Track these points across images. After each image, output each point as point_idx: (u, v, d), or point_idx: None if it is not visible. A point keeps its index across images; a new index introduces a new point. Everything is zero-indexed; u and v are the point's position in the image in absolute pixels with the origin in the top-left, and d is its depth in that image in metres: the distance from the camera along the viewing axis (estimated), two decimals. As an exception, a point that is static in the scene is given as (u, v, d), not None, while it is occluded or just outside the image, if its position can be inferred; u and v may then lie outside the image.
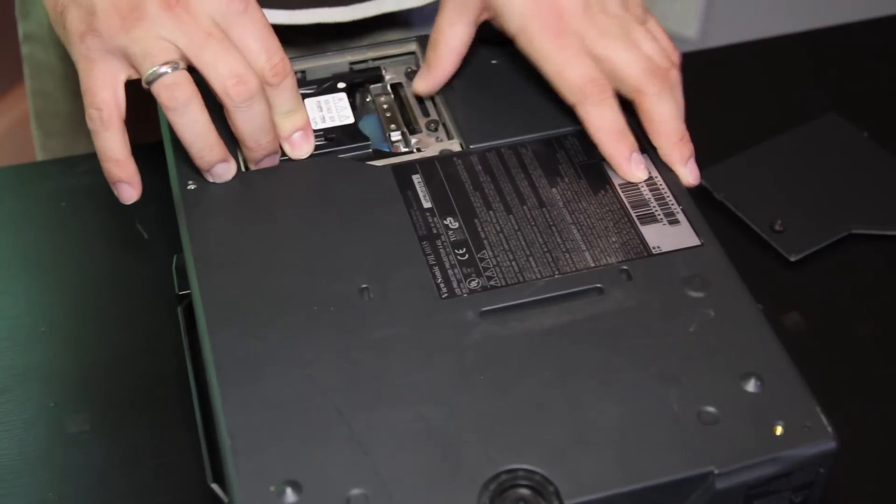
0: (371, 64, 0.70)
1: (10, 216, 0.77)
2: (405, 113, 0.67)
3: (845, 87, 0.85)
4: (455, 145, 0.64)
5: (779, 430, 0.50)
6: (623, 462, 0.49)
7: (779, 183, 0.76)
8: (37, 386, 0.66)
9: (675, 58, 0.64)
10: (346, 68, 0.69)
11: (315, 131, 0.64)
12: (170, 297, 0.64)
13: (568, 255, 0.57)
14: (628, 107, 0.63)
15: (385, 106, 0.67)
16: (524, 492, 0.49)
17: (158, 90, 0.57)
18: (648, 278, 0.56)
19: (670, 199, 0.60)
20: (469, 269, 0.57)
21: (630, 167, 0.61)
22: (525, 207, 0.60)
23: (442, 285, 0.56)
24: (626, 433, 0.50)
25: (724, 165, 0.77)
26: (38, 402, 0.66)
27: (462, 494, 0.48)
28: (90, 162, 0.80)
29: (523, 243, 0.58)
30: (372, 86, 0.69)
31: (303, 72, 0.68)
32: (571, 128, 0.64)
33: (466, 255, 0.57)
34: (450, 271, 0.57)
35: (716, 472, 0.49)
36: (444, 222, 0.59)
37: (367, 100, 0.68)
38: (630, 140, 0.62)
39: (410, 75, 0.69)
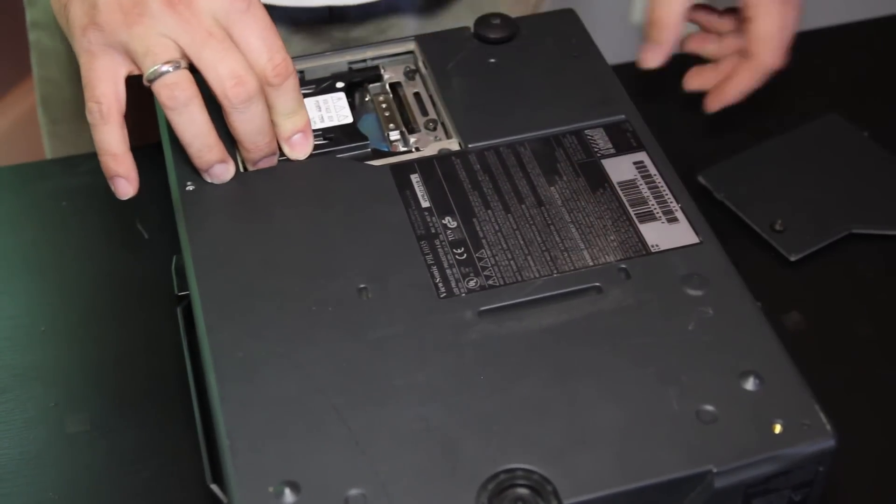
0: (370, 63, 0.70)
1: (10, 216, 0.77)
2: (404, 112, 0.67)
3: (845, 87, 0.85)
4: (453, 144, 0.64)
5: (778, 429, 0.50)
6: (621, 461, 0.49)
7: (779, 183, 0.76)
8: (37, 386, 0.66)
9: None
10: (344, 68, 0.69)
11: (314, 131, 0.64)
12: (169, 298, 0.64)
13: (566, 254, 0.57)
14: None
15: (384, 105, 0.67)
16: (522, 491, 0.48)
17: (159, 89, 0.57)
18: (647, 277, 0.56)
19: (669, 197, 0.60)
20: (467, 269, 0.57)
21: None
22: (523, 206, 0.60)
23: (440, 285, 0.56)
24: (624, 432, 0.50)
25: (724, 165, 0.77)
26: (38, 401, 0.66)
27: (460, 494, 0.48)
28: (91, 161, 0.80)
29: (522, 242, 0.58)
30: (371, 85, 0.69)
31: (301, 71, 0.68)
32: (570, 126, 0.64)
33: (465, 255, 0.57)
34: (448, 271, 0.57)
35: (714, 470, 0.49)
36: (443, 222, 0.59)
37: (366, 99, 0.68)
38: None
39: (409, 74, 0.69)
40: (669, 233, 0.58)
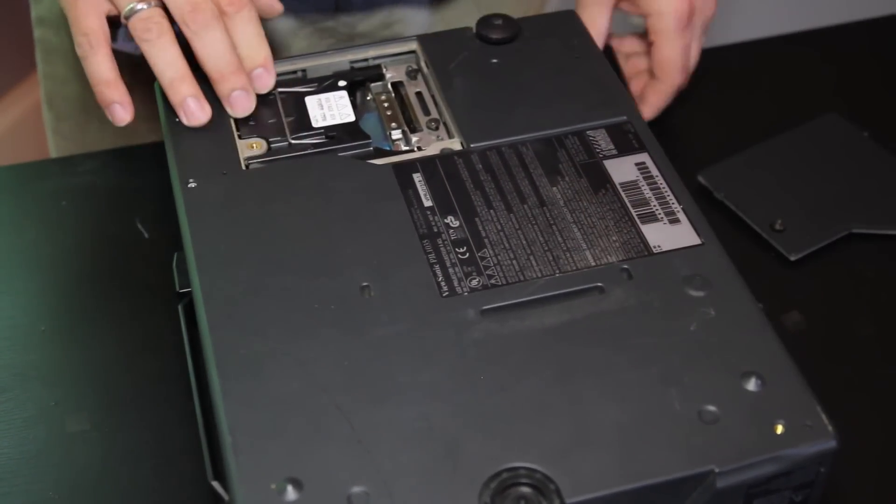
0: (371, 63, 0.70)
1: (9, 216, 0.77)
2: (406, 111, 0.67)
3: (845, 87, 0.85)
4: (456, 144, 0.64)
5: (779, 429, 0.50)
6: (624, 461, 0.49)
7: (779, 183, 0.76)
8: (37, 385, 0.66)
9: None
10: (346, 67, 0.69)
11: (316, 129, 0.64)
12: (170, 297, 0.64)
13: (569, 254, 0.57)
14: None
15: (386, 104, 0.67)
16: (525, 490, 0.48)
17: (134, 24, 0.63)
18: (649, 277, 0.56)
19: (671, 198, 0.60)
20: (470, 268, 0.57)
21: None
22: (526, 206, 0.60)
23: (443, 284, 0.56)
24: (626, 432, 0.50)
25: (724, 165, 0.77)
26: (38, 401, 0.66)
27: (463, 492, 0.48)
28: (90, 161, 0.80)
29: (524, 242, 0.58)
30: (373, 84, 0.69)
31: (304, 70, 0.68)
32: (572, 127, 0.64)
33: (467, 254, 0.57)
34: (450, 270, 0.57)
35: (716, 470, 0.49)
36: (445, 221, 0.59)
37: (368, 98, 0.68)
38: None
39: (411, 74, 0.69)
40: (671, 233, 0.58)
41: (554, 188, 0.61)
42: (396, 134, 0.65)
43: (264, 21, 0.66)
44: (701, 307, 0.55)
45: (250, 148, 0.64)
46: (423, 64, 0.69)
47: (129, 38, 0.64)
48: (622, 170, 0.62)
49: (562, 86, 0.67)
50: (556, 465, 0.49)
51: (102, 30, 0.63)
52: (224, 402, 0.51)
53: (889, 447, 0.63)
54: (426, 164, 0.62)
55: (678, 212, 0.60)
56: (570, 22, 0.71)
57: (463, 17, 0.86)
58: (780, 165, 0.78)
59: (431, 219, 0.59)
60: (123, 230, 0.75)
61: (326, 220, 0.59)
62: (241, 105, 0.64)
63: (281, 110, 0.66)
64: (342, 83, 0.67)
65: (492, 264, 0.57)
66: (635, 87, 0.80)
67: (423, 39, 0.70)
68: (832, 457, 0.51)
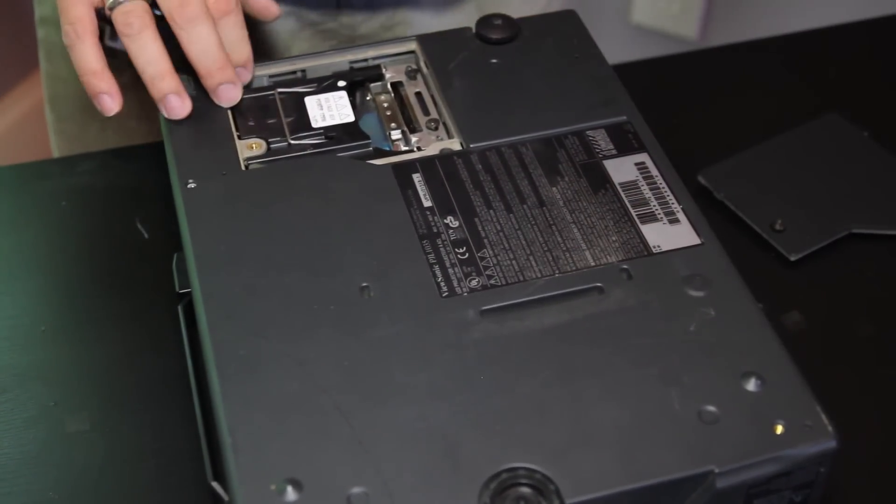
0: (371, 63, 0.70)
1: (10, 216, 0.77)
2: (405, 111, 0.67)
3: (845, 87, 0.85)
4: (455, 144, 0.64)
5: (779, 430, 0.50)
6: (624, 461, 0.49)
7: (779, 183, 0.76)
8: (37, 385, 0.66)
9: None
10: (346, 67, 0.69)
11: (315, 129, 0.64)
12: (170, 297, 0.64)
13: (568, 255, 0.57)
14: None
15: (385, 104, 0.67)
16: (525, 490, 0.49)
17: (117, 16, 0.63)
18: (649, 277, 0.56)
19: (671, 198, 0.60)
20: (469, 268, 0.57)
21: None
22: (525, 206, 0.60)
23: (442, 284, 0.56)
24: (626, 432, 0.50)
25: (724, 165, 0.77)
26: (38, 401, 0.65)
27: (463, 493, 0.48)
28: (90, 161, 0.80)
29: (524, 242, 0.58)
30: (372, 84, 0.69)
31: (303, 70, 0.68)
32: (572, 127, 0.64)
33: (467, 254, 0.57)
34: (450, 270, 0.57)
35: (716, 471, 0.49)
36: (445, 221, 0.59)
37: (368, 98, 0.68)
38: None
39: (411, 74, 0.69)
40: (671, 234, 0.58)
41: (553, 188, 0.61)
42: (396, 134, 0.65)
43: (264, 23, 0.66)
44: (701, 307, 0.55)
45: (250, 148, 0.64)
46: (422, 64, 0.69)
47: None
48: (622, 170, 0.62)
49: (561, 86, 0.67)
50: (556, 465, 0.49)
51: (90, 19, 0.63)
52: (224, 403, 0.51)
53: (889, 447, 0.63)
54: (426, 165, 0.62)
55: (678, 212, 0.60)
56: (569, 22, 0.71)
57: (466, 20, 0.86)
58: (780, 165, 0.77)
59: (431, 219, 0.59)
60: (123, 230, 0.75)
61: (326, 220, 0.59)
62: (227, 96, 0.65)
63: (280, 111, 0.66)
64: (342, 83, 0.67)
65: (491, 265, 0.57)
66: None
67: (422, 39, 0.70)
68: (832, 457, 0.51)
